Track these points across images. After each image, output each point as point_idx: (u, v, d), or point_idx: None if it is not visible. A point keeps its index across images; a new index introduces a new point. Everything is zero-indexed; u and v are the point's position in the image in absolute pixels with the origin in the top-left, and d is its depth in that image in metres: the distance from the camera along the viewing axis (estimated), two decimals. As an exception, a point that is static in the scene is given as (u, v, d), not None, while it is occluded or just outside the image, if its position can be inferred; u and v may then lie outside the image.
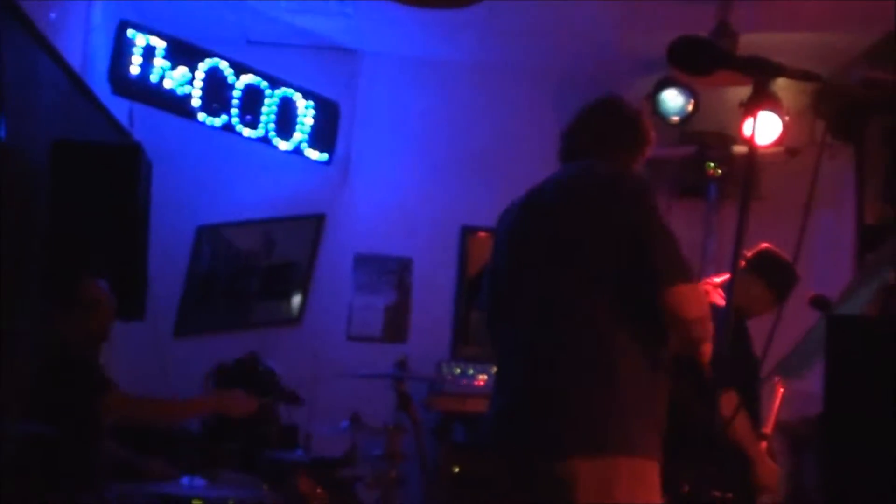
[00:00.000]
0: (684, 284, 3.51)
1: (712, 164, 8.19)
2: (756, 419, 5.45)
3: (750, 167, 2.99)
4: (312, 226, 8.78)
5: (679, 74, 7.82)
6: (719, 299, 5.38)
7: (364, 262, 8.75)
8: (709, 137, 8.28)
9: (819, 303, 5.80)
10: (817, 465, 6.41)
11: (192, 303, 8.66)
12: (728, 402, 5.25)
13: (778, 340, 5.55)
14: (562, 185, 3.82)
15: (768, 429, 5.99)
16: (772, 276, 5.56)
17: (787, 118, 7.66)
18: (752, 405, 5.42)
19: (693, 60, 3.02)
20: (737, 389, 5.23)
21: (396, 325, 8.70)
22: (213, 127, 8.01)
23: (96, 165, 6.43)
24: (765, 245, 5.70)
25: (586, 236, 3.62)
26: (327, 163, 8.66)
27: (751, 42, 7.16)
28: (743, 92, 7.87)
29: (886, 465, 2.35)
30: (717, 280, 5.65)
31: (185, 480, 4.35)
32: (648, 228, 3.59)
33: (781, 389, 6.40)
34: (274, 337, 8.36)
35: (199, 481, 4.36)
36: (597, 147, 3.93)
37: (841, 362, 2.44)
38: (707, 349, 3.66)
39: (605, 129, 3.98)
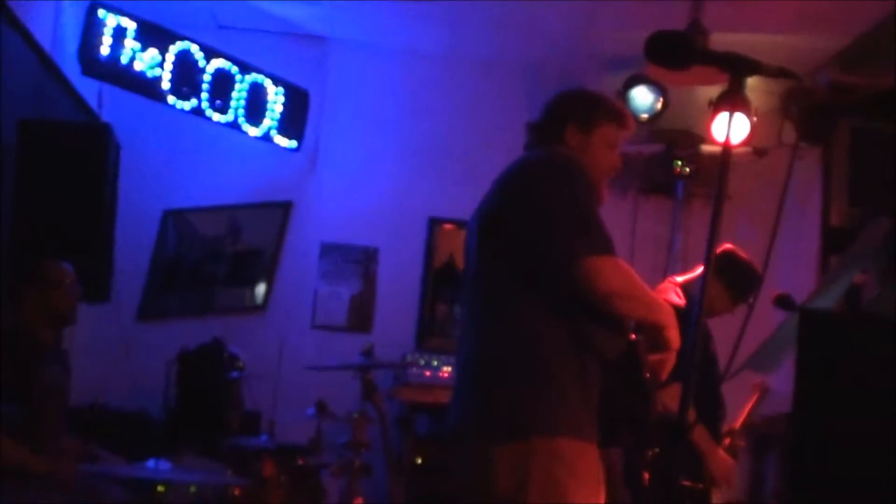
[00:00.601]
0: (595, 257, 3.39)
1: (680, 163, 8.23)
2: (714, 416, 5.47)
3: (724, 164, 2.97)
4: (279, 213, 8.75)
5: (650, 72, 7.86)
6: (677, 298, 5.40)
7: (330, 250, 8.73)
8: (677, 136, 8.32)
9: (783, 302, 5.83)
10: (782, 462, 6.45)
11: (157, 287, 8.61)
12: (673, 394, 5.31)
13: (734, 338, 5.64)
14: (499, 176, 3.76)
15: (736, 424, 6.03)
16: (730, 278, 5.56)
17: (755, 119, 7.70)
18: (709, 402, 5.44)
19: (670, 55, 3.00)
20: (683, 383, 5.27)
21: (361, 315, 8.69)
22: (182, 111, 7.96)
23: (64, 145, 6.41)
24: (727, 246, 5.71)
25: (505, 219, 3.57)
26: (296, 150, 8.63)
27: (722, 41, 7.19)
28: (712, 91, 7.93)
29: (855, 460, 2.37)
30: (679, 279, 5.67)
31: (150, 463, 4.33)
32: (552, 200, 3.49)
33: (758, 393, 6.45)
34: (238, 324, 8.33)
35: (164, 464, 4.34)
36: (551, 133, 3.84)
37: (813, 357, 2.44)
38: (672, 335, 3.54)
39: (557, 114, 3.87)
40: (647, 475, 5.06)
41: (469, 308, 3.71)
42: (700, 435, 5.28)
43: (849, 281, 3.85)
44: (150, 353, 7.83)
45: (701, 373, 5.41)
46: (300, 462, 5.68)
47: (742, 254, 5.65)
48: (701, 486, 5.25)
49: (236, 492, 5.22)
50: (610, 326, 3.56)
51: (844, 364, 2.45)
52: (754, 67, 2.95)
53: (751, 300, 5.60)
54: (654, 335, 3.55)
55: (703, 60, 2.99)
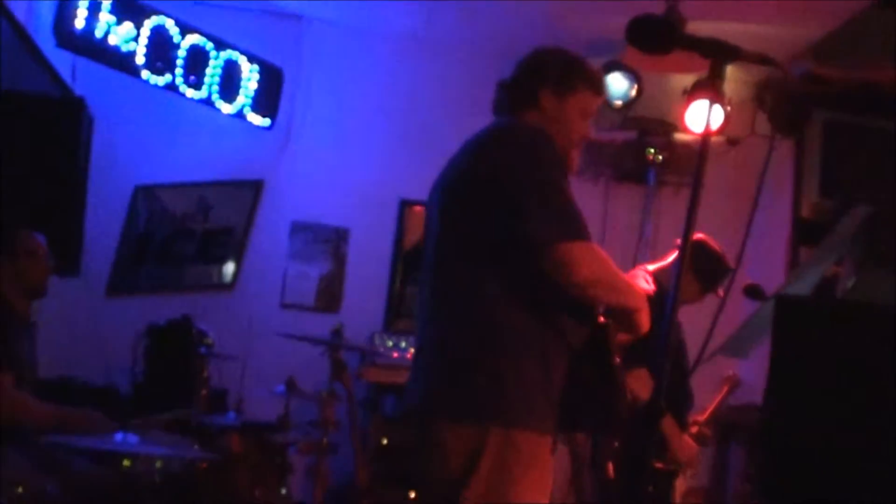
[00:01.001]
0: (569, 242, 3.31)
1: (652, 150, 8.25)
2: (681, 403, 5.51)
3: (702, 153, 2.99)
4: (250, 191, 8.73)
5: (626, 58, 7.87)
6: (647, 285, 5.43)
7: (301, 230, 8.72)
8: (650, 123, 8.35)
9: (752, 292, 5.86)
10: (751, 447, 6.51)
11: (127, 262, 8.59)
12: (637, 379, 5.37)
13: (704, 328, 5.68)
14: (463, 147, 3.69)
15: (704, 414, 6.08)
16: (700, 268, 5.59)
17: (728, 108, 7.73)
18: (677, 389, 5.48)
19: (651, 39, 3.01)
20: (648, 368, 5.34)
21: (330, 295, 8.69)
22: (156, 86, 7.93)
23: (38, 117, 6.37)
24: (698, 236, 5.73)
25: (472, 196, 3.47)
26: (269, 129, 8.62)
27: (698, 30, 7.17)
28: (686, 80, 7.98)
29: (826, 447, 2.39)
30: (651, 267, 5.69)
31: (118, 436, 4.32)
32: (524, 180, 3.39)
33: (729, 384, 6.49)
34: (207, 301, 8.31)
35: (132, 437, 4.33)
36: (525, 96, 3.71)
37: (787, 342, 2.46)
38: (642, 319, 3.53)
39: (533, 75, 3.72)
40: (611, 464, 5.11)
41: (430, 285, 3.60)
42: (666, 421, 5.32)
43: (824, 268, 3.87)
44: (119, 328, 7.81)
45: (675, 361, 5.49)
46: (268, 439, 5.68)
47: (713, 244, 5.68)
48: (669, 469, 5.30)
49: (203, 466, 5.21)
50: (576, 310, 3.48)
51: (819, 350, 2.46)
52: (735, 54, 2.96)
53: (720, 291, 5.64)
54: (624, 319, 3.50)
55: (684, 45, 2.99)
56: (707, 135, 3.06)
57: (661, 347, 2.88)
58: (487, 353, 3.38)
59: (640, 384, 5.33)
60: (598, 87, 3.80)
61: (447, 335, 3.48)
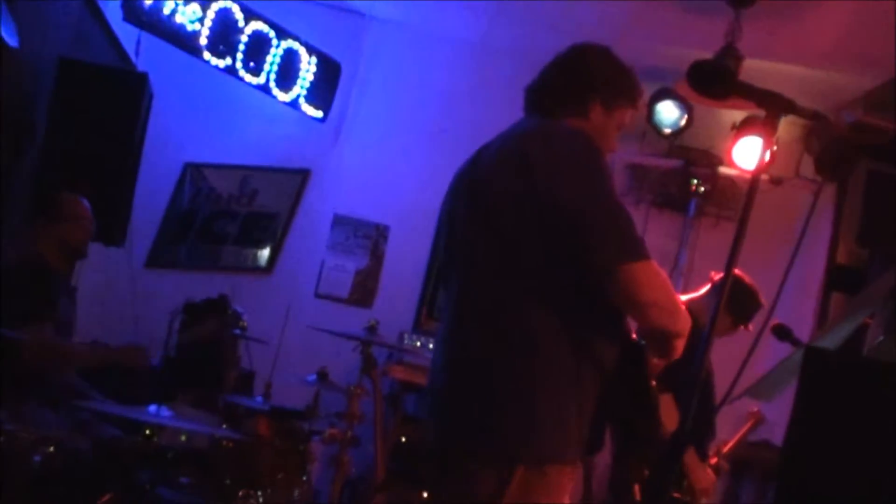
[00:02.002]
0: (638, 262, 3.19)
1: (696, 181, 8.33)
2: (703, 433, 5.59)
3: (751, 192, 3.07)
4: (297, 180, 8.86)
5: (679, 87, 7.95)
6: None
7: (342, 223, 8.83)
8: (696, 154, 8.43)
9: (779, 331, 5.97)
10: (757, 486, 6.59)
11: (168, 237, 8.72)
12: (663, 404, 5.44)
13: (734, 366, 5.75)
14: (496, 146, 3.56)
15: (725, 448, 6.17)
16: (732, 301, 5.69)
17: (775, 147, 7.79)
18: (701, 419, 5.56)
19: (711, 84, 3.09)
20: (675, 395, 5.40)
21: (364, 290, 8.80)
22: (216, 68, 8.06)
23: (101, 88, 6.51)
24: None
25: (524, 203, 3.29)
26: (321, 120, 8.74)
27: (754, 68, 7.29)
28: (736, 115, 8.03)
29: (842, 498, 2.47)
30: (684, 298, 5.79)
31: (151, 408, 4.42)
32: (587, 197, 3.24)
33: (753, 421, 6.57)
34: (243, 282, 8.40)
35: (166, 411, 4.44)
36: (574, 102, 3.58)
37: (812, 394, 2.54)
38: (679, 345, 3.42)
39: (585, 82, 3.59)
40: (637, 488, 5.19)
41: (459, 298, 3.49)
42: (688, 451, 5.41)
43: (855, 324, 3.94)
44: (154, 300, 7.91)
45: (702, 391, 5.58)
46: (294, 426, 5.79)
47: (746, 278, 5.77)
48: (685, 499, 5.38)
49: (229, 445, 5.33)
50: (610, 332, 3.41)
51: (842, 404, 2.54)
52: (790, 108, 3.01)
53: (750, 326, 5.73)
54: (663, 343, 3.41)
55: (741, 94, 3.07)
56: (757, 173, 3.11)
57: (692, 379, 2.94)
58: (524, 384, 3.29)
59: (665, 410, 5.43)
60: (638, 101, 3.71)
61: (481, 358, 3.36)
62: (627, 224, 3.24)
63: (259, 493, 5.25)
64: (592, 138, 3.42)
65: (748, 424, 6.79)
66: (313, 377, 6.00)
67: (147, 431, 4.76)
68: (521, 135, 3.49)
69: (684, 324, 3.40)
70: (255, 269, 8.82)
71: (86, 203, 5.75)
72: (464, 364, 3.41)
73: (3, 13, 5.25)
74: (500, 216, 3.33)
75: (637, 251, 3.21)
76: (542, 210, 3.24)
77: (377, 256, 8.83)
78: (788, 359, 3.76)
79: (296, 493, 5.44)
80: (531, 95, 3.71)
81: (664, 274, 3.33)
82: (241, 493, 5.14)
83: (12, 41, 5.39)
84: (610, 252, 3.18)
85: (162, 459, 5.14)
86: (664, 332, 3.38)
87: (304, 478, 5.57)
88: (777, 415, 6.81)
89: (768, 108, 3.03)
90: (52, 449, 4.49)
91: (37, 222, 5.65)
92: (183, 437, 5.40)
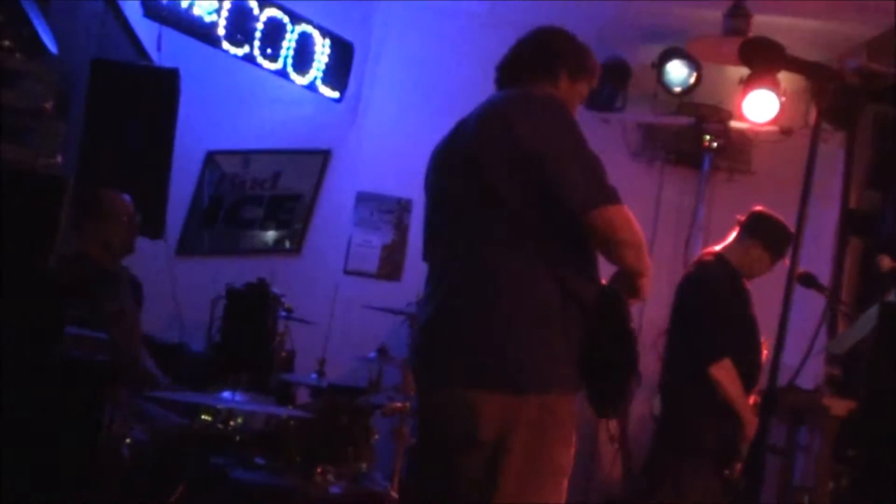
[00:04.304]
0: (611, 206, 3.49)
1: (709, 137, 8.49)
2: (752, 377, 5.80)
3: (810, 166, 3.27)
4: (319, 161, 9.01)
5: (689, 47, 8.13)
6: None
7: (365, 199, 8.97)
8: (706, 110, 8.58)
9: (805, 280, 6.18)
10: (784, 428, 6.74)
11: (196, 224, 8.88)
12: (721, 369, 5.67)
13: (762, 314, 5.96)
14: (475, 115, 3.79)
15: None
16: (766, 237, 5.93)
17: (783, 98, 7.96)
18: (748, 364, 5.78)
19: (762, 58, 3.29)
20: (732, 356, 5.65)
21: (392, 264, 8.95)
22: (234, 57, 8.22)
23: (133, 86, 6.66)
24: (757, 209, 6.05)
25: (499, 161, 3.56)
26: (338, 101, 8.89)
27: (760, 23, 7.49)
28: (743, 70, 8.17)
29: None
30: (718, 248, 6.03)
31: (226, 394, 4.59)
32: (563, 146, 3.55)
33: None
34: (272, 264, 8.46)
35: (240, 396, 4.60)
36: (545, 72, 3.89)
37: (888, 347, 2.71)
38: (645, 284, 3.64)
39: (553, 55, 3.92)
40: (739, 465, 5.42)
41: (450, 246, 3.72)
42: (735, 395, 5.64)
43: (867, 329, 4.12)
44: (186, 288, 8.07)
45: (745, 334, 5.81)
46: (356, 401, 5.97)
47: (770, 213, 5.99)
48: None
49: (295, 423, 5.49)
50: (588, 272, 3.67)
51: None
52: (838, 76, 3.23)
53: (786, 259, 5.97)
54: (632, 283, 3.65)
55: (791, 67, 3.28)
56: (814, 143, 3.29)
57: (781, 326, 3.12)
58: (518, 319, 3.52)
59: (724, 374, 5.65)
60: (595, 77, 4.03)
61: (475, 305, 3.57)
62: (602, 172, 3.56)
63: (332, 468, 5.42)
64: (560, 98, 3.79)
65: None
66: (373, 354, 6.19)
67: (210, 417, 4.94)
68: (499, 100, 3.82)
69: (647, 263, 3.65)
70: (284, 251, 8.99)
71: (127, 199, 5.90)
72: (463, 311, 3.61)
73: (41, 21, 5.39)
74: (483, 169, 3.59)
75: (612, 196, 3.52)
76: (522, 159, 3.53)
77: (401, 230, 8.98)
78: (864, 316, 3.94)
79: (363, 466, 5.65)
80: (503, 71, 4.04)
81: (633, 216, 3.58)
82: (318, 470, 5.31)
83: (53, 48, 5.53)
84: (589, 197, 3.49)
85: (231, 443, 5.32)
86: (635, 271, 3.62)
87: (370, 451, 5.76)
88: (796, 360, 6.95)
89: (817, 79, 3.23)
90: (139, 440, 4.67)
91: (81, 221, 5.78)
92: (240, 420, 5.57)
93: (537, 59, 3.95)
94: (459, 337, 3.60)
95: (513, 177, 3.55)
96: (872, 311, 3.80)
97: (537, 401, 3.51)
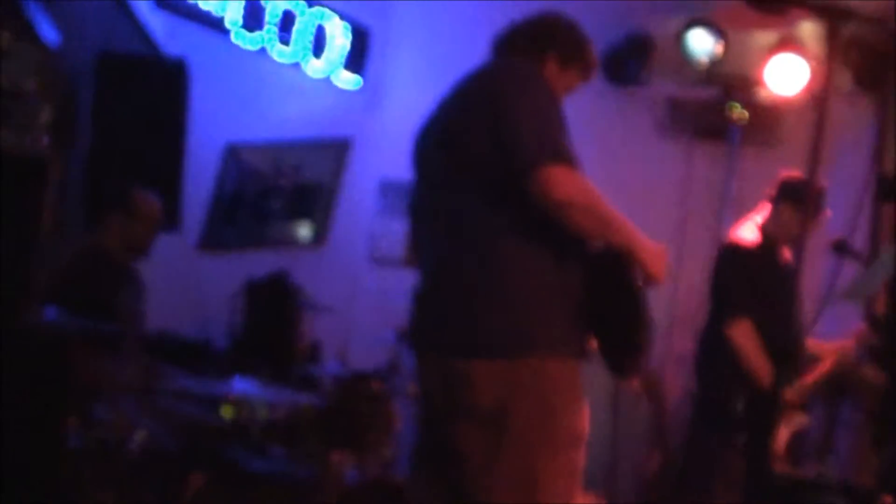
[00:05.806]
0: (553, 166, 3.35)
1: (738, 107, 8.27)
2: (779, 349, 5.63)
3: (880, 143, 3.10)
4: (339, 149, 8.90)
5: (713, 16, 7.94)
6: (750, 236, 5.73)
7: (388, 187, 8.85)
8: (733, 80, 8.38)
9: (839, 246, 6.02)
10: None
11: (218, 219, 8.77)
12: (738, 328, 5.57)
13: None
14: (453, 89, 3.85)
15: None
16: (797, 198, 5.80)
17: (813, 64, 7.76)
18: (773, 337, 5.61)
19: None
20: (752, 317, 5.52)
21: (417, 250, 8.81)
22: (249, 45, 8.13)
23: (140, 77, 6.57)
24: (784, 173, 5.95)
25: (474, 129, 3.54)
26: (357, 89, 8.78)
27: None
28: (770, 37, 7.97)
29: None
30: (758, 219, 5.94)
31: (237, 382, 4.49)
32: (508, 104, 3.50)
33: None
34: (297, 256, 8.48)
35: (249, 384, 4.50)
36: (532, 51, 3.87)
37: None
38: (646, 260, 3.46)
39: (544, 37, 3.90)
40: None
41: (436, 222, 3.74)
42: (753, 357, 5.51)
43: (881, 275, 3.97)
44: (210, 282, 8.00)
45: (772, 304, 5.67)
46: (375, 388, 5.87)
47: (798, 174, 5.86)
48: None
49: (313, 412, 5.41)
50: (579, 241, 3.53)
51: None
52: (847, 15, 3.07)
53: (820, 216, 5.84)
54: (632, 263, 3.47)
55: (799, 4, 3.11)
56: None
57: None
58: (509, 290, 3.46)
59: (740, 332, 5.54)
60: (589, 76, 3.98)
61: (462, 275, 3.53)
62: (555, 132, 3.44)
63: (352, 455, 5.34)
64: (536, 68, 3.74)
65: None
66: (391, 337, 6.09)
67: (230, 407, 4.83)
68: (478, 71, 3.83)
69: (635, 239, 3.46)
70: (308, 241, 8.89)
71: (157, 201, 5.84)
72: (454, 281, 3.56)
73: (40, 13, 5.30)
74: (463, 137, 3.59)
75: (559, 154, 3.38)
76: (486, 130, 3.49)
77: (426, 216, 8.83)
78: (878, 260, 3.79)
79: (386, 452, 5.55)
80: (495, 45, 4.04)
81: (590, 184, 3.42)
82: (336, 459, 5.22)
83: (53, 41, 5.44)
84: (530, 153, 3.38)
85: (247, 434, 5.21)
86: (586, 233, 3.48)
87: (392, 436, 5.67)
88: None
89: (827, 18, 3.07)
90: (144, 435, 4.56)
91: (110, 215, 5.73)
92: (257, 410, 5.47)
93: (528, 37, 3.92)
94: (448, 307, 3.56)
95: (494, 144, 3.49)
96: (886, 257, 3.63)
97: (530, 365, 3.43)
